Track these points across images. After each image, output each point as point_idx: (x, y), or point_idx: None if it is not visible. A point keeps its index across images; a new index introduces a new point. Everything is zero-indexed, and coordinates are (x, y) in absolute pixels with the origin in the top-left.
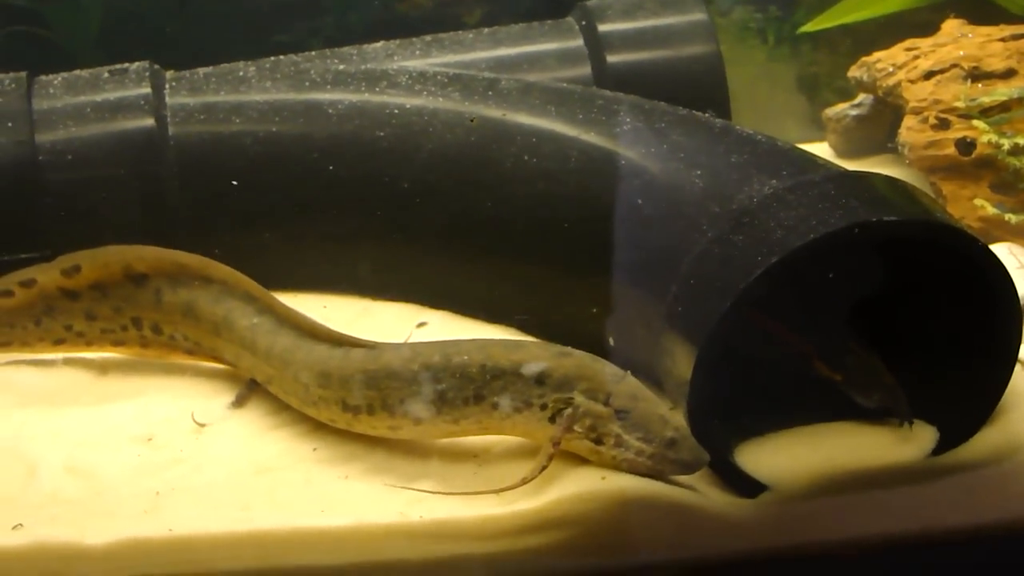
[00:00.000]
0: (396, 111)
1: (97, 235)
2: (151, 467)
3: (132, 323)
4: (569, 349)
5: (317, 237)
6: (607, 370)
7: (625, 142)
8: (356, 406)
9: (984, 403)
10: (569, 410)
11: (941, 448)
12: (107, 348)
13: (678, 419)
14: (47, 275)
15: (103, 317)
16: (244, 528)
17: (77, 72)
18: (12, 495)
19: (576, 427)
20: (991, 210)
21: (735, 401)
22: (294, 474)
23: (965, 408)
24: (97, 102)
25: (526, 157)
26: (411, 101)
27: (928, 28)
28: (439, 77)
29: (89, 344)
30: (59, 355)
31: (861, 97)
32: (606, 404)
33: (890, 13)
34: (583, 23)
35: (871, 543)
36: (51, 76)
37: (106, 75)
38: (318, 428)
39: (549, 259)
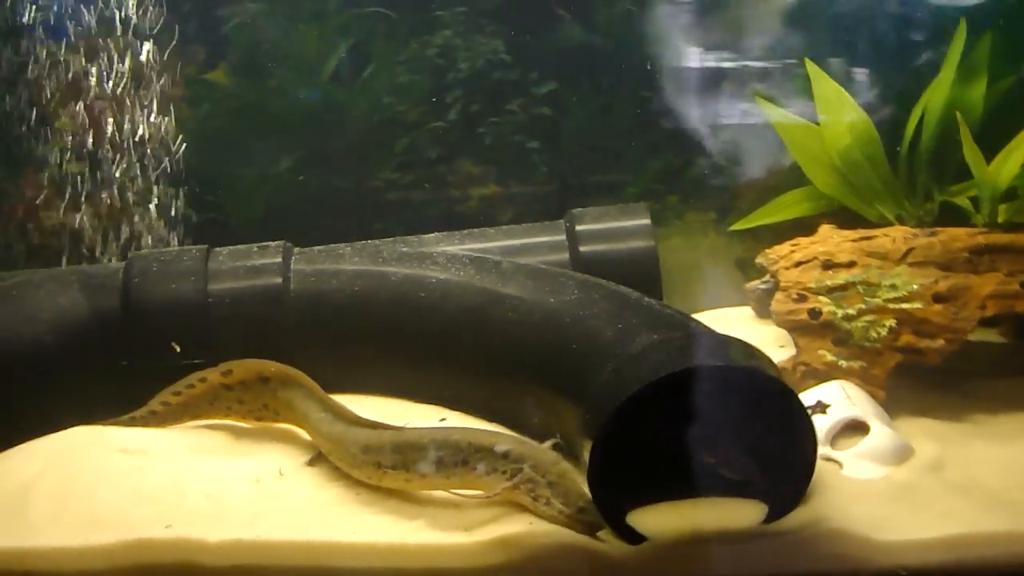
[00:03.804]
0: (434, 280)
1: (243, 351)
2: (255, 498)
3: (263, 407)
4: (527, 439)
5: (379, 359)
6: (549, 456)
7: (570, 306)
8: (385, 466)
9: (797, 489)
10: (520, 475)
11: (769, 519)
12: (251, 421)
13: (589, 494)
14: (213, 375)
15: (247, 402)
16: (305, 539)
17: (239, 246)
18: (169, 509)
19: (522, 487)
20: (831, 357)
21: (627, 478)
22: (341, 509)
23: (784, 492)
24: (247, 266)
25: (510, 314)
26: (443, 274)
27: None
28: (463, 258)
29: (242, 418)
30: (217, 422)
31: (768, 276)
32: (543, 476)
33: (794, 218)
34: (567, 224)
35: None
36: (222, 248)
37: (255, 249)
38: (360, 484)
39: (521, 380)
